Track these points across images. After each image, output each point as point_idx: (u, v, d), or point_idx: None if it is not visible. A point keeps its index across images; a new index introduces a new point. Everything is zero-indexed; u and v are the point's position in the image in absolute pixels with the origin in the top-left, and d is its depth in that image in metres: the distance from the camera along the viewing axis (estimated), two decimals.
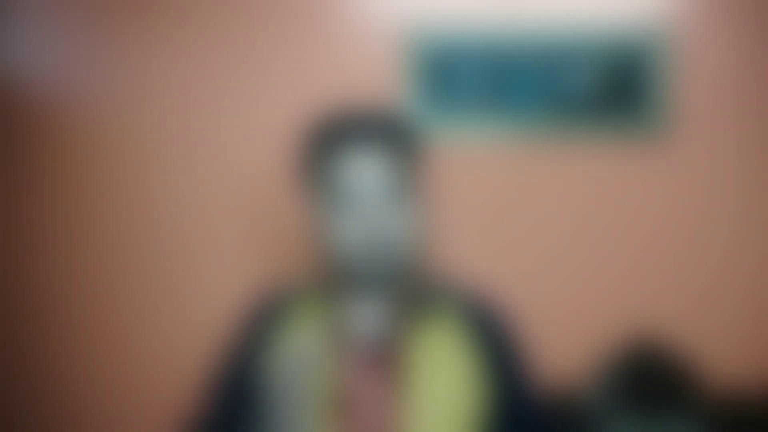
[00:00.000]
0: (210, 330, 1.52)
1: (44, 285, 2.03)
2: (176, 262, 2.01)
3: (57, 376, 2.03)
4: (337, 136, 1.35)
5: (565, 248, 2.00)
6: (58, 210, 2.03)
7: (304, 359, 1.32)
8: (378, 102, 1.44)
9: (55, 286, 2.03)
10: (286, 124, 1.93)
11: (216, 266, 2.00)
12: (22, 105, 2.03)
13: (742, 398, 1.85)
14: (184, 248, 2.01)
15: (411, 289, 1.39)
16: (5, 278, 2.03)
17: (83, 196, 2.02)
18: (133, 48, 2.01)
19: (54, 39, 2.02)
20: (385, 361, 1.34)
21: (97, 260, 2.02)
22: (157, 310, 2.02)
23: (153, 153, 2.02)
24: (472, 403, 1.34)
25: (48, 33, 2.02)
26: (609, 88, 1.98)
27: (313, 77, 1.99)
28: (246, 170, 2.00)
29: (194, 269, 2.01)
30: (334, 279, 1.38)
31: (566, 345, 1.74)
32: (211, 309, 1.82)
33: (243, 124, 2.00)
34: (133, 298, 2.02)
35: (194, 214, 2.01)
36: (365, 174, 1.32)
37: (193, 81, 2.01)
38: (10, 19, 2.02)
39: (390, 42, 1.99)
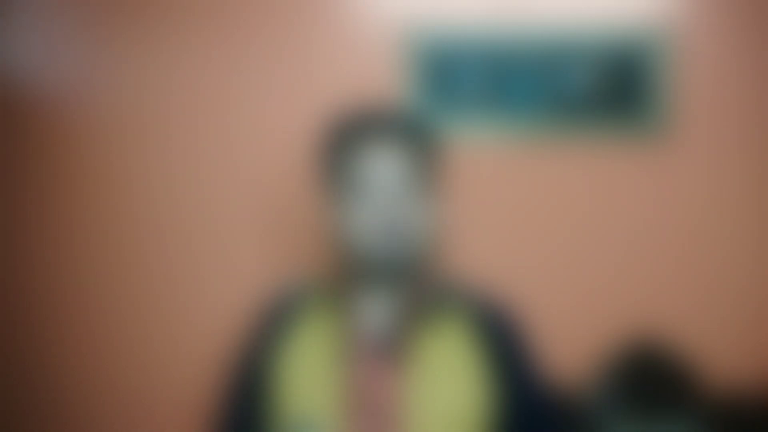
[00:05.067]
0: (220, 329, 1.52)
1: (46, 286, 2.03)
2: (185, 261, 2.01)
3: (60, 379, 2.03)
4: (353, 133, 1.36)
5: (565, 247, 2.00)
6: (58, 210, 2.03)
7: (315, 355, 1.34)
8: (386, 100, 1.45)
9: (58, 286, 2.03)
10: (291, 121, 1.95)
11: (227, 264, 2.00)
12: (23, 105, 2.03)
13: (741, 398, 1.85)
14: (193, 246, 2.01)
15: (421, 286, 1.40)
16: (6, 279, 2.03)
17: (85, 196, 2.02)
18: (134, 47, 2.01)
19: (54, 39, 2.02)
20: (393, 358, 1.35)
21: (100, 261, 2.02)
22: (163, 310, 2.01)
23: (155, 152, 2.02)
24: (478, 401, 1.35)
25: (48, 33, 2.02)
26: (609, 88, 1.98)
27: (316, 76, 1.99)
28: (254, 168, 2.00)
29: (203, 268, 2.01)
30: (347, 274, 1.39)
31: (566, 344, 1.74)
32: (222, 307, 1.83)
33: (248, 122, 2.00)
34: (140, 299, 2.02)
35: (201, 212, 2.01)
36: (380, 170, 1.34)
37: (196, 80, 2.01)
38: (10, 19, 2.02)
39: (392, 41, 2.00)
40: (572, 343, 1.74)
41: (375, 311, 1.38)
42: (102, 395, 2.02)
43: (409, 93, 1.98)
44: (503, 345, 1.40)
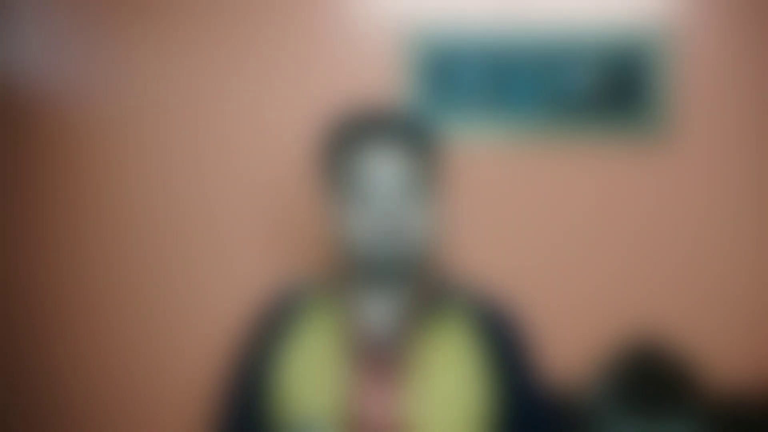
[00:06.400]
0: (221, 329, 1.52)
1: (45, 286, 2.03)
2: (186, 261, 2.01)
3: (60, 378, 2.03)
4: (353, 134, 1.36)
5: (564, 247, 2.00)
6: (59, 210, 2.03)
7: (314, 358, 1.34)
8: (386, 101, 1.45)
9: (57, 286, 2.03)
10: (291, 121, 1.95)
11: (228, 264, 2.00)
12: (23, 105, 2.03)
13: (742, 398, 1.85)
14: (193, 247, 2.01)
15: (422, 287, 1.40)
16: (5, 278, 2.03)
17: (85, 197, 2.02)
18: (134, 48, 2.01)
19: (54, 39, 2.02)
20: (393, 359, 1.35)
21: (101, 261, 2.02)
22: (164, 311, 2.01)
23: (156, 152, 2.02)
24: (478, 402, 1.35)
25: (48, 33, 2.02)
26: (609, 88, 1.98)
27: (316, 77, 1.99)
28: (254, 168, 2.00)
29: (204, 268, 2.01)
30: (348, 276, 1.39)
31: (566, 344, 1.74)
32: (223, 308, 1.83)
33: (248, 123, 2.00)
34: (140, 299, 2.02)
35: (202, 212, 2.01)
36: (380, 171, 1.34)
37: (195, 81, 2.01)
38: (10, 19, 2.02)
39: (392, 41, 2.00)
40: (572, 343, 1.74)
41: (376, 312, 1.38)
42: (103, 395, 2.02)
43: (409, 93, 1.98)
44: (504, 345, 1.40)
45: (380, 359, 1.35)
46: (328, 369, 1.35)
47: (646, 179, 2.00)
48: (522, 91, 1.98)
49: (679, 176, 2.00)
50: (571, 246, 2.00)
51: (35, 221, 2.03)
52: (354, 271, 1.38)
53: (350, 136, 1.37)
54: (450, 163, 1.45)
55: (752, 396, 1.87)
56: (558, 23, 1.98)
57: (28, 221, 2.03)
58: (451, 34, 1.98)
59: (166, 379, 2.00)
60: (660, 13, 1.98)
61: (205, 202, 2.01)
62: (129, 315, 2.02)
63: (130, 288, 2.02)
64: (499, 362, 1.38)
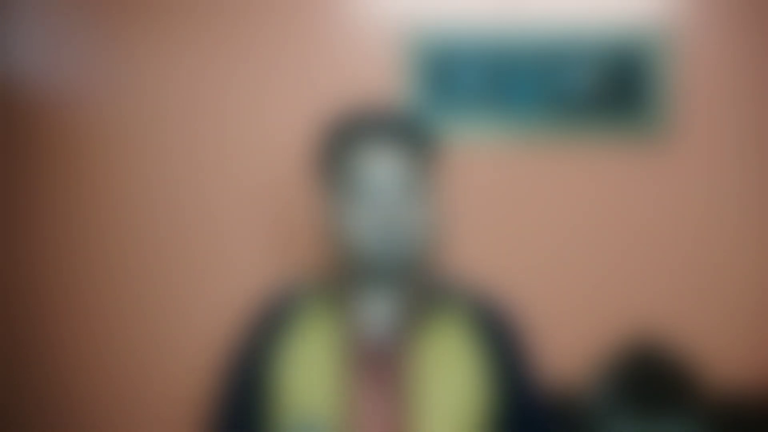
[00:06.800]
0: (219, 329, 1.52)
1: (45, 285, 2.03)
2: (185, 260, 2.01)
3: (59, 378, 2.03)
4: (352, 134, 1.36)
5: (565, 247, 2.00)
6: (58, 210, 2.03)
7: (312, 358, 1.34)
8: (385, 101, 1.45)
9: (57, 286, 2.03)
10: (290, 121, 1.95)
11: (227, 264, 2.00)
12: (23, 105, 2.03)
13: (741, 398, 1.85)
14: (191, 246, 2.01)
15: (420, 287, 1.40)
16: (5, 278, 2.03)
17: (85, 197, 2.03)
18: (135, 47, 2.01)
19: (54, 39, 2.02)
20: (392, 359, 1.35)
21: (99, 261, 2.02)
22: (163, 311, 2.02)
23: (155, 152, 2.02)
24: (477, 402, 1.35)
25: (48, 33, 2.02)
26: (609, 88, 1.98)
27: (316, 77, 1.99)
28: (253, 167, 2.00)
29: (203, 268, 2.01)
30: (346, 276, 1.39)
31: (566, 344, 1.74)
32: (222, 307, 1.82)
33: (247, 123, 2.01)
34: (140, 299, 2.02)
35: (201, 212, 2.01)
36: (379, 170, 1.34)
37: (195, 80, 2.01)
38: (10, 19, 2.03)
39: (392, 41, 2.00)
40: (572, 343, 1.74)
41: (374, 311, 1.38)
42: (103, 395, 2.02)
43: (408, 93, 1.98)
44: (502, 345, 1.40)
45: (379, 359, 1.35)
46: (327, 369, 1.35)
47: (646, 179, 2.00)
48: (522, 91, 1.98)
49: (679, 176, 2.00)
50: (570, 246, 2.00)
51: (35, 221, 2.03)
52: (353, 271, 1.38)
53: (349, 136, 1.37)
54: (449, 162, 1.45)
55: (752, 396, 1.87)
56: (558, 23, 1.98)
57: (28, 221, 2.03)
58: (451, 34, 1.98)
59: (166, 379, 2.00)
60: (660, 13, 1.98)
61: (205, 202, 2.01)
62: (129, 315, 2.02)
63: (130, 288, 2.02)
64: (498, 362, 1.38)
